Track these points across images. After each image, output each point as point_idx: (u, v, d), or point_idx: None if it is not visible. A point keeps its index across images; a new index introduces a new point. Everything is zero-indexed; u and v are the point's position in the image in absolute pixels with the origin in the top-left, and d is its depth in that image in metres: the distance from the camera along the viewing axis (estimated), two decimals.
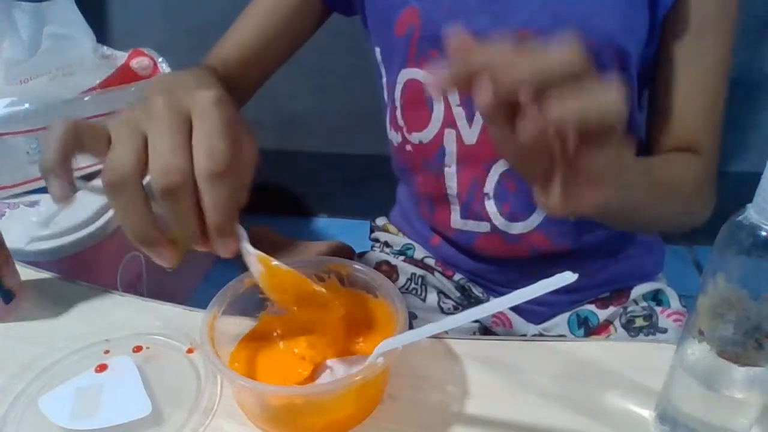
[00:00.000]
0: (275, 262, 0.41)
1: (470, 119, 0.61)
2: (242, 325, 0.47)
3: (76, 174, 0.38)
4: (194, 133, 0.36)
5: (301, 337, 0.46)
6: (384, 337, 0.40)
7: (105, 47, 1.16)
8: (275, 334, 0.47)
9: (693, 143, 0.61)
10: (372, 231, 0.81)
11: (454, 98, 0.61)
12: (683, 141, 0.61)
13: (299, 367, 0.44)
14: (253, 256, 0.40)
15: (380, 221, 0.81)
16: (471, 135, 0.62)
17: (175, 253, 0.39)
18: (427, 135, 0.64)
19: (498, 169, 0.63)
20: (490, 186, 0.64)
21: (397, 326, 0.41)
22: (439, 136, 0.63)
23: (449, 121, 0.62)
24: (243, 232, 0.40)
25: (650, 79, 0.62)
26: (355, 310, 0.47)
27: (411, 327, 0.40)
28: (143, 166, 0.36)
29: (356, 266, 0.46)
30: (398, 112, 0.66)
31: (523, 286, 0.72)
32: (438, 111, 0.62)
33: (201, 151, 0.36)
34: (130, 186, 0.36)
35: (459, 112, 0.61)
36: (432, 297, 0.71)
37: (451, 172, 0.65)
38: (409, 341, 0.38)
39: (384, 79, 0.67)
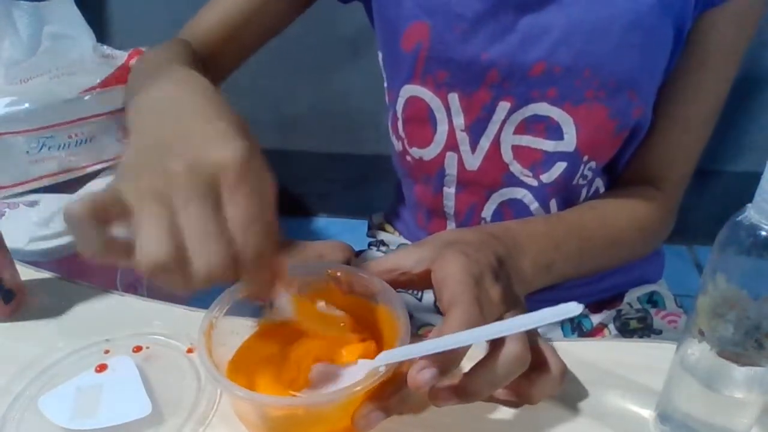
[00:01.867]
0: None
1: (474, 146, 0.60)
2: (241, 331, 0.47)
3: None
4: (229, 210, 0.33)
5: (301, 344, 0.46)
6: (385, 344, 0.40)
7: (105, 47, 1.16)
8: (274, 339, 0.47)
9: (660, 177, 0.61)
10: (369, 228, 0.81)
11: (459, 122, 0.59)
12: (651, 172, 0.61)
13: (299, 374, 0.43)
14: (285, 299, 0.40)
15: (377, 218, 0.81)
16: (473, 161, 0.61)
17: None
18: (428, 153, 0.62)
19: (497, 198, 0.62)
20: (488, 212, 0.63)
21: (399, 334, 0.40)
22: (441, 157, 0.62)
23: (452, 145, 0.61)
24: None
25: None
26: (356, 316, 0.46)
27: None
28: (182, 251, 0.32)
29: (358, 272, 0.46)
30: (399, 123, 0.64)
31: None
32: (441, 133, 0.60)
33: (240, 237, 0.33)
34: (171, 272, 0.32)
35: (462, 137, 0.60)
36: (428, 296, 0.71)
37: (450, 192, 0.64)
38: (409, 357, 0.37)
39: (385, 84, 0.65)
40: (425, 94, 0.59)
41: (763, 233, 0.32)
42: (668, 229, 0.65)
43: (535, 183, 0.60)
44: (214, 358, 0.40)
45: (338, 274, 0.46)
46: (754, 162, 1.52)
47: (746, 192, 0.35)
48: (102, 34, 1.25)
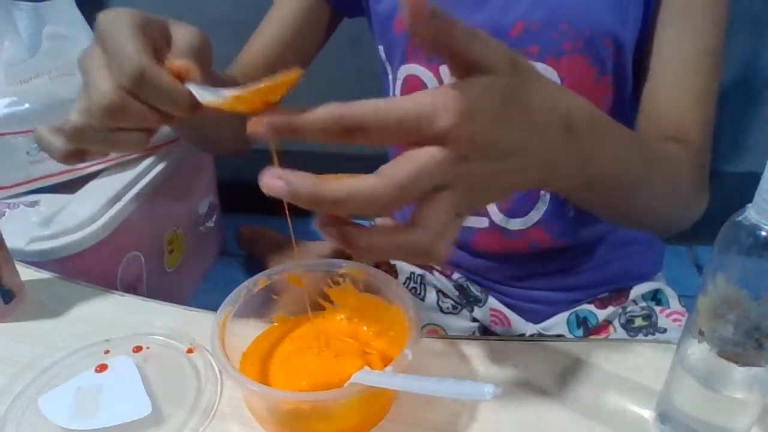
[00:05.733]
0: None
1: None
2: (255, 326, 0.47)
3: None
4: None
5: (315, 339, 0.46)
6: (395, 343, 0.40)
7: None
8: (288, 335, 0.48)
9: (681, 131, 0.58)
10: None
11: None
12: (670, 128, 0.58)
13: (313, 369, 0.44)
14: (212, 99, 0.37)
15: (379, 220, 0.81)
16: None
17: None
18: None
19: None
20: None
21: (409, 334, 0.41)
22: None
23: None
24: (203, 90, 0.38)
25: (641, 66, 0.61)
26: (369, 315, 0.47)
27: None
28: (87, 112, 0.39)
29: (371, 271, 0.46)
30: None
31: (522, 282, 0.72)
32: None
33: (113, 68, 0.37)
34: (83, 133, 0.40)
35: None
36: (431, 296, 0.71)
37: None
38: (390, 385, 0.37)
39: (390, 77, 0.67)
40: (418, 69, 0.62)
41: (763, 233, 0.32)
42: (705, 190, 0.59)
43: None
44: (227, 351, 0.41)
45: (353, 272, 0.47)
46: (754, 162, 1.52)
47: (746, 192, 0.35)
48: None
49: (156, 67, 0.38)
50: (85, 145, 0.41)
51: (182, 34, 0.42)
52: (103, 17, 0.39)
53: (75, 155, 0.42)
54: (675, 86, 0.58)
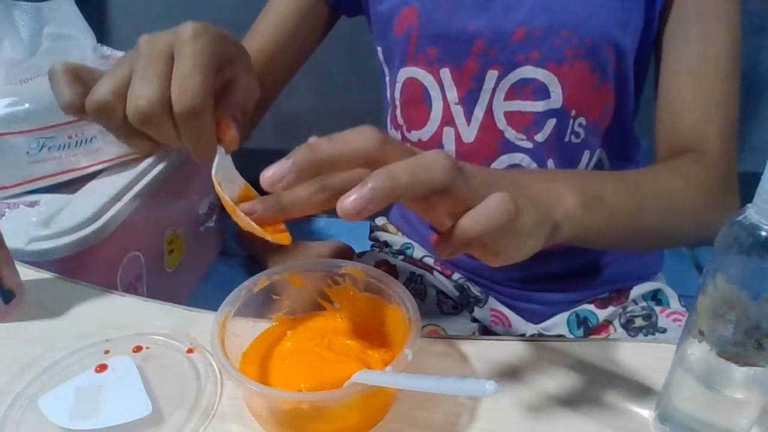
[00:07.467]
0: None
1: (468, 117, 0.61)
2: (255, 326, 0.47)
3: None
4: (174, 65, 0.37)
5: (315, 339, 0.46)
6: (395, 344, 0.40)
7: (105, 47, 1.16)
8: (288, 335, 0.48)
9: (699, 142, 0.57)
10: (371, 231, 0.82)
11: (453, 96, 0.61)
12: (688, 140, 0.57)
13: (313, 369, 0.44)
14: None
15: (380, 221, 0.82)
16: (469, 133, 0.62)
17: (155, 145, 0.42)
18: (425, 133, 0.64)
19: (497, 167, 0.63)
20: None
21: (411, 335, 0.41)
22: (438, 134, 0.63)
23: (448, 120, 0.62)
24: (223, 160, 0.41)
25: (654, 75, 0.61)
26: (369, 315, 0.47)
27: None
28: (122, 93, 0.38)
29: (371, 271, 0.46)
30: (398, 111, 0.66)
31: (522, 282, 0.72)
32: (437, 109, 0.62)
33: (174, 87, 0.37)
34: (110, 111, 0.38)
35: (457, 111, 0.61)
36: (431, 296, 0.71)
37: None
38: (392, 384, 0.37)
39: (387, 78, 0.67)
40: (418, 73, 0.62)
41: (763, 233, 0.32)
42: (729, 196, 0.57)
43: (530, 145, 0.61)
44: (227, 350, 0.41)
45: (353, 272, 0.47)
46: (754, 162, 1.52)
47: (746, 192, 0.35)
48: (102, 34, 1.25)
49: (208, 114, 0.38)
50: (99, 123, 0.40)
51: (245, 89, 0.42)
52: (201, 27, 0.38)
53: (79, 111, 0.40)
54: (691, 96, 0.57)
